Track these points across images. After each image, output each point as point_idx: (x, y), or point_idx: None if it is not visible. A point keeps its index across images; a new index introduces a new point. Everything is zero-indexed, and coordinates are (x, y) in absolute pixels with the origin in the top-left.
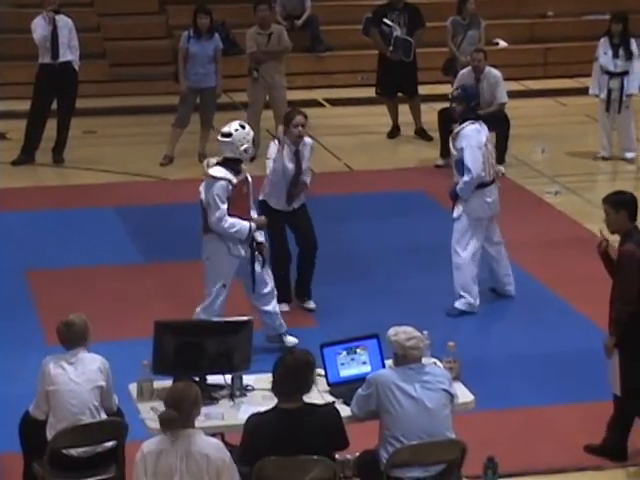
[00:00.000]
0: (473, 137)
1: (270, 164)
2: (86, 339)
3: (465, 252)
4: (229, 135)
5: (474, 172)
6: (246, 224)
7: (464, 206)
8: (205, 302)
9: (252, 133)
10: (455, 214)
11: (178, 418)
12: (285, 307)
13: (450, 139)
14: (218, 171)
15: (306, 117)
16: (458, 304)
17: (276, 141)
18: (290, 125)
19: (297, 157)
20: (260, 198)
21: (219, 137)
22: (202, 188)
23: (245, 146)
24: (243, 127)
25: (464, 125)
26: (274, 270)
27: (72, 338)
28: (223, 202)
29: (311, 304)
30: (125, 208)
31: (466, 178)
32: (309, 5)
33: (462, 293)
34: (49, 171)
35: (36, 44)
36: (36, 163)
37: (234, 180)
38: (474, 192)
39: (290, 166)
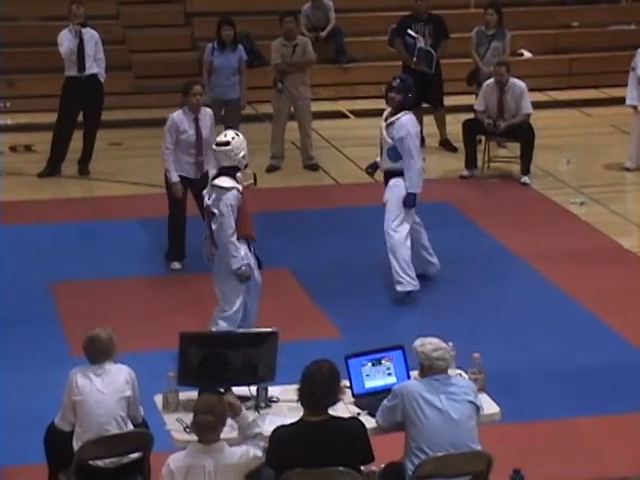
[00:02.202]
0: (412, 126)
1: (172, 133)
2: (112, 353)
3: (399, 234)
4: (227, 144)
5: (420, 160)
6: (244, 261)
7: (393, 190)
8: (224, 312)
9: (245, 141)
10: (385, 198)
11: (215, 422)
12: (177, 265)
13: (384, 126)
14: (226, 181)
15: (204, 87)
16: (401, 287)
17: (181, 112)
18: (189, 94)
19: (196, 124)
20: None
21: (215, 147)
22: (210, 200)
23: (242, 153)
24: (238, 135)
25: (400, 115)
26: (170, 230)
27: (98, 353)
28: (234, 213)
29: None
30: (150, 220)
31: (417, 166)
32: (333, 17)
33: (403, 275)
34: (74, 183)
35: (61, 57)
36: (62, 175)
37: (240, 188)
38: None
39: (191, 132)
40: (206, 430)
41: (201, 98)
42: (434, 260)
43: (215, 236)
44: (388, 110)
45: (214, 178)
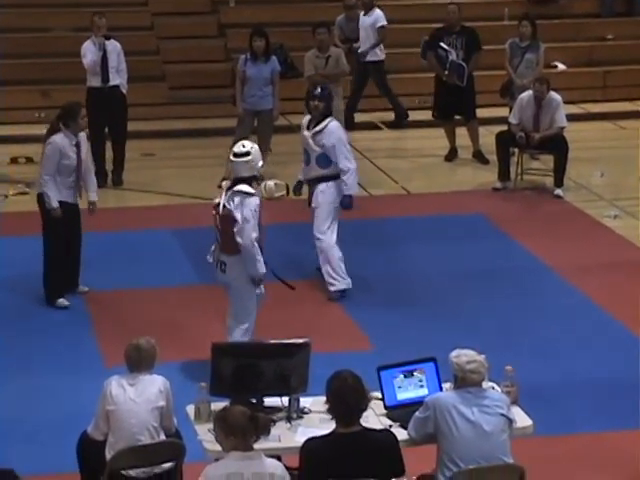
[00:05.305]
0: (340, 132)
1: (55, 159)
2: (152, 363)
3: (328, 237)
4: (247, 154)
5: (354, 162)
6: (263, 266)
7: (324, 195)
8: (243, 324)
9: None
10: (314, 203)
11: (250, 426)
12: (66, 302)
13: (310, 135)
14: (248, 188)
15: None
16: (334, 287)
17: (62, 135)
18: (77, 117)
19: (78, 148)
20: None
21: (233, 158)
22: (232, 205)
23: (261, 162)
24: (254, 145)
25: (327, 122)
26: (51, 264)
27: (140, 361)
28: (257, 218)
29: (85, 288)
30: (183, 230)
31: (351, 167)
32: None
33: (335, 276)
34: (108, 193)
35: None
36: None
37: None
38: (334, 182)
39: (73, 156)
40: (243, 433)
41: (86, 122)
42: None
43: (238, 240)
44: (307, 118)
45: (231, 186)
